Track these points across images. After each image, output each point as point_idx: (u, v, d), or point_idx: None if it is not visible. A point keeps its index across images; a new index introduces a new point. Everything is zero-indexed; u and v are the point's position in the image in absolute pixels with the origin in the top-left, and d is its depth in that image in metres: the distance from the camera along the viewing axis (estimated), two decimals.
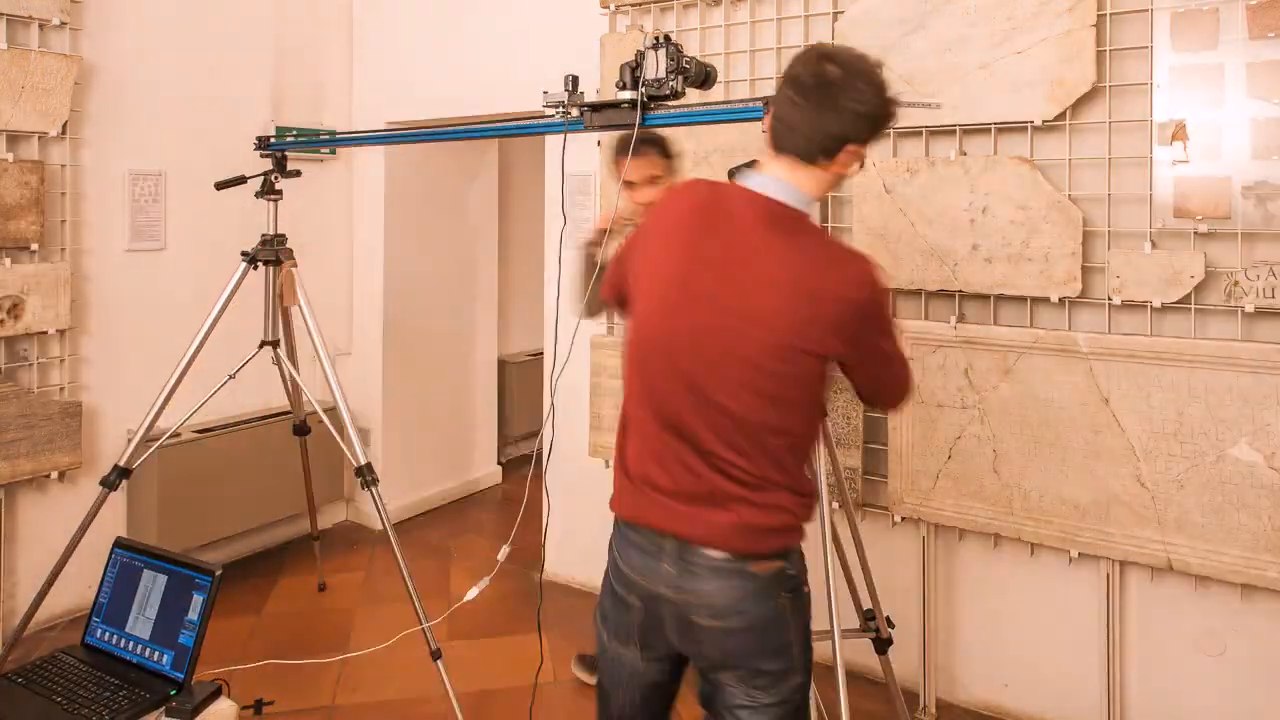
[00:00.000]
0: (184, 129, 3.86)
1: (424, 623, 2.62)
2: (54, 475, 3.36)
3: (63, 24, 3.36)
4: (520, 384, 5.50)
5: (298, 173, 3.12)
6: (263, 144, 3.06)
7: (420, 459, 4.66)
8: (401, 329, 4.55)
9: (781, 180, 1.59)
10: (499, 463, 5.32)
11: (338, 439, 2.84)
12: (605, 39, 3.55)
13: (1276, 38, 2.34)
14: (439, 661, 2.61)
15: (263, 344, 3.12)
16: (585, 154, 3.74)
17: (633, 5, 3.49)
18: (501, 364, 5.35)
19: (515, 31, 3.99)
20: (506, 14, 4.02)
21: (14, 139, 3.26)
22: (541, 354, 4.02)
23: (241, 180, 3.05)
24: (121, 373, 3.63)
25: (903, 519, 2.95)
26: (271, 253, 3.10)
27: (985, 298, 2.79)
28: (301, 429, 3.47)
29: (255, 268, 3.08)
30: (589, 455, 3.61)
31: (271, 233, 3.10)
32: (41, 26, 3.32)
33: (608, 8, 3.57)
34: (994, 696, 2.85)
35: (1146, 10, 2.53)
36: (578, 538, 3.79)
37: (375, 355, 4.51)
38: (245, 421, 3.91)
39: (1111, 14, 2.58)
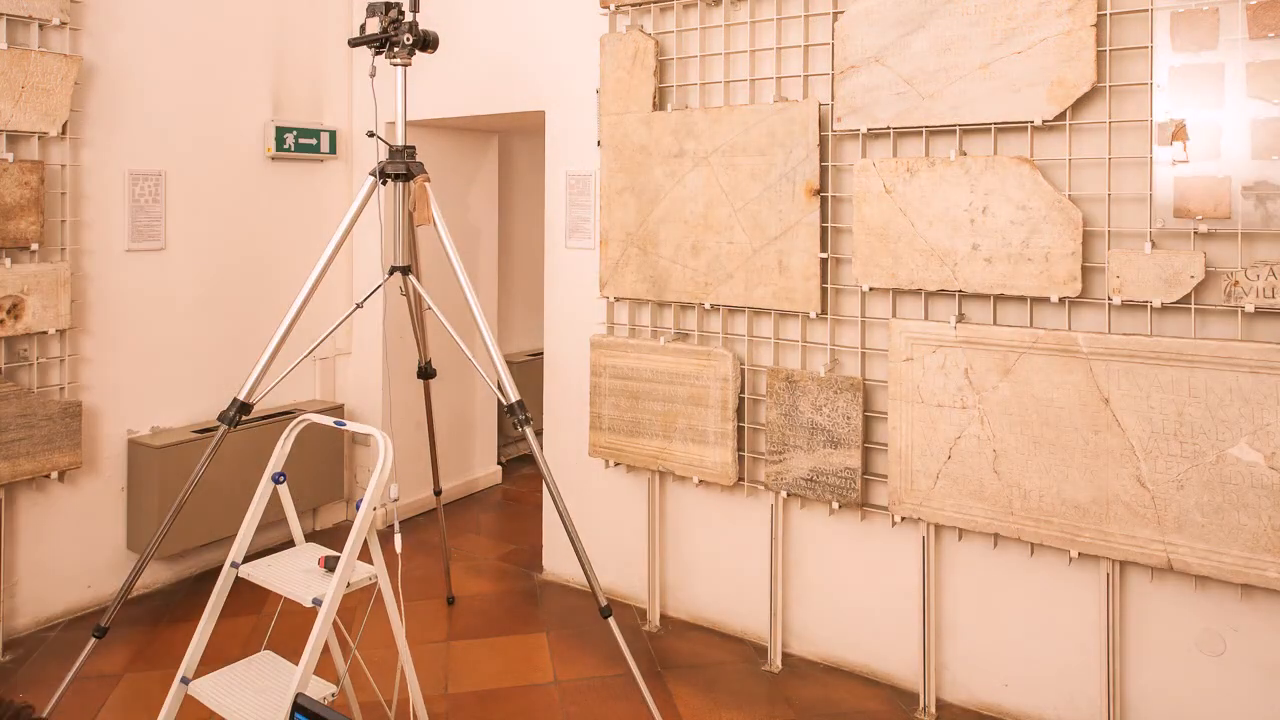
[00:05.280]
0: (184, 129, 3.86)
1: (591, 578, 2.62)
2: (54, 475, 3.36)
3: (63, 24, 3.36)
4: (520, 384, 5.48)
5: (432, 46, 2.87)
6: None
7: (420, 459, 4.66)
8: (402, 329, 4.55)
9: None
10: (499, 463, 5.33)
11: (483, 376, 2.73)
12: (605, 39, 3.54)
13: (1276, 38, 2.34)
14: (611, 620, 2.61)
15: (393, 270, 2.84)
16: (586, 153, 3.74)
17: (633, 5, 3.49)
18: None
19: (515, 32, 3.99)
20: (506, 14, 4.02)
21: (14, 139, 3.26)
22: (541, 354, 4.01)
23: (375, 39, 2.81)
24: (121, 373, 3.63)
25: (903, 519, 2.95)
26: (401, 165, 2.76)
27: (985, 298, 2.79)
28: (427, 371, 3.29)
29: (384, 183, 2.82)
30: (589, 455, 3.61)
31: (401, 143, 2.81)
32: (41, 26, 3.32)
33: (608, 8, 3.56)
34: (994, 696, 2.85)
35: (1146, 10, 2.53)
36: None
37: (375, 355, 4.51)
38: (245, 422, 3.90)
39: (1111, 14, 2.58)
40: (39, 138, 3.32)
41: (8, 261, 3.21)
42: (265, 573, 2.33)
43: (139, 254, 3.70)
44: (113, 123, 3.61)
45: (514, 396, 2.65)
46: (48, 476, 3.35)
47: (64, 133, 3.38)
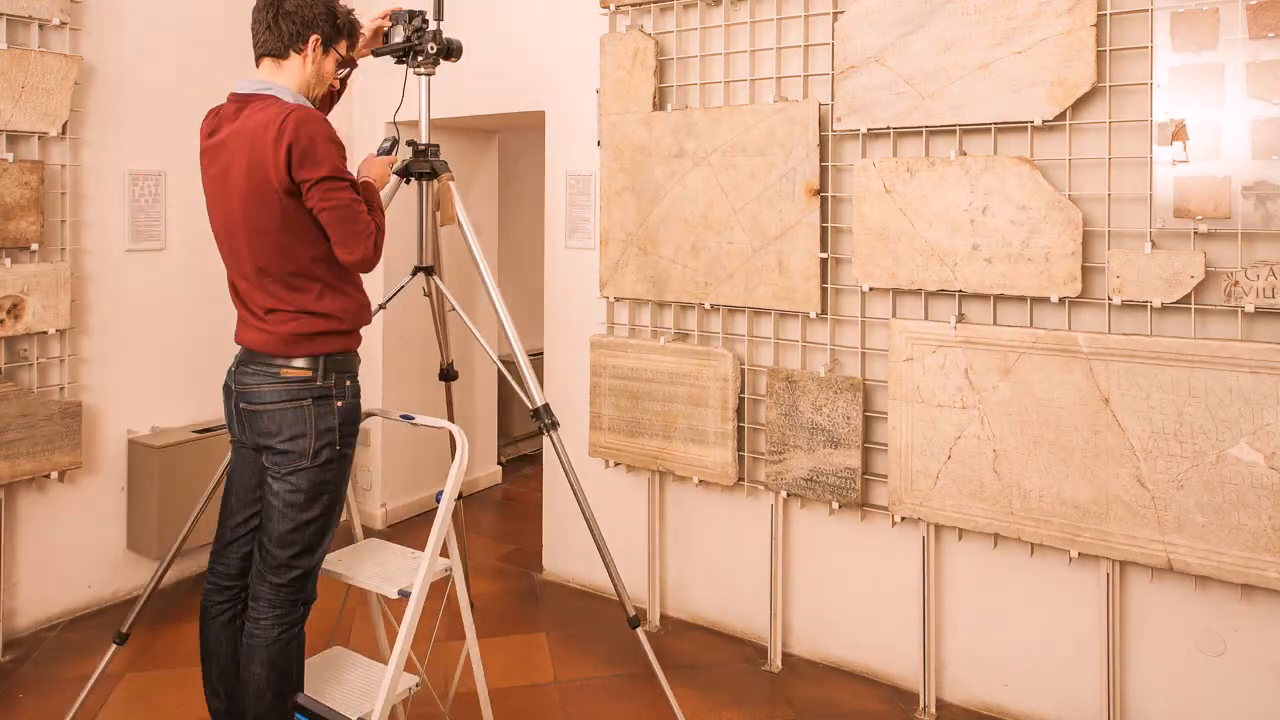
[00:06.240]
0: (184, 129, 3.85)
1: (622, 595, 2.60)
2: (54, 475, 3.36)
3: (63, 24, 3.36)
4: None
5: (456, 54, 2.78)
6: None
7: (420, 459, 4.66)
8: (401, 329, 4.55)
9: (258, 79, 2.23)
10: (499, 463, 5.33)
11: (510, 380, 2.70)
12: (605, 39, 3.54)
13: (1276, 38, 2.34)
14: (640, 629, 2.58)
15: (416, 270, 2.82)
16: (586, 154, 3.74)
17: (633, 5, 3.49)
18: (502, 364, 5.34)
19: (515, 32, 3.99)
20: (506, 14, 4.02)
21: (14, 139, 3.26)
22: (542, 354, 4.01)
23: (398, 48, 2.74)
24: (121, 373, 3.63)
25: (903, 519, 2.95)
26: (425, 164, 2.71)
27: (985, 298, 2.79)
28: (449, 373, 3.25)
29: (407, 182, 2.77)
30: (589, 455, 3.61)
31: (425, 140, 2.74)
32: (41, 26, 3.32)
33: (608, 8, 3.57)
34: (994, 696, 2.85)
35: (1146, 10, 2.53)
36: (577, 537, 3.79)
37: (375, 355, 4.51)
38: None
39: (1111, 14, 2.58)
40: (39, 138, 3.32)
41: (8, 261, 3.21)
42: (343, 568, 2.40)
43: (139, 254, 3.70)
44: (113, 123, 3.61)
45: (540, 400, 2.62)
46: (48, 476, 3.35)
47: (64, 133, 3.38)
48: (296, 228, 2.08)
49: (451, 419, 3.47)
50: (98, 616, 3.49)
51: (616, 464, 3.57)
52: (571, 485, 2.63)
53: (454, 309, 2.81)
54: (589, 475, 3.70)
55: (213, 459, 3.72)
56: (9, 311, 3.20)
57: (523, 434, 5.63)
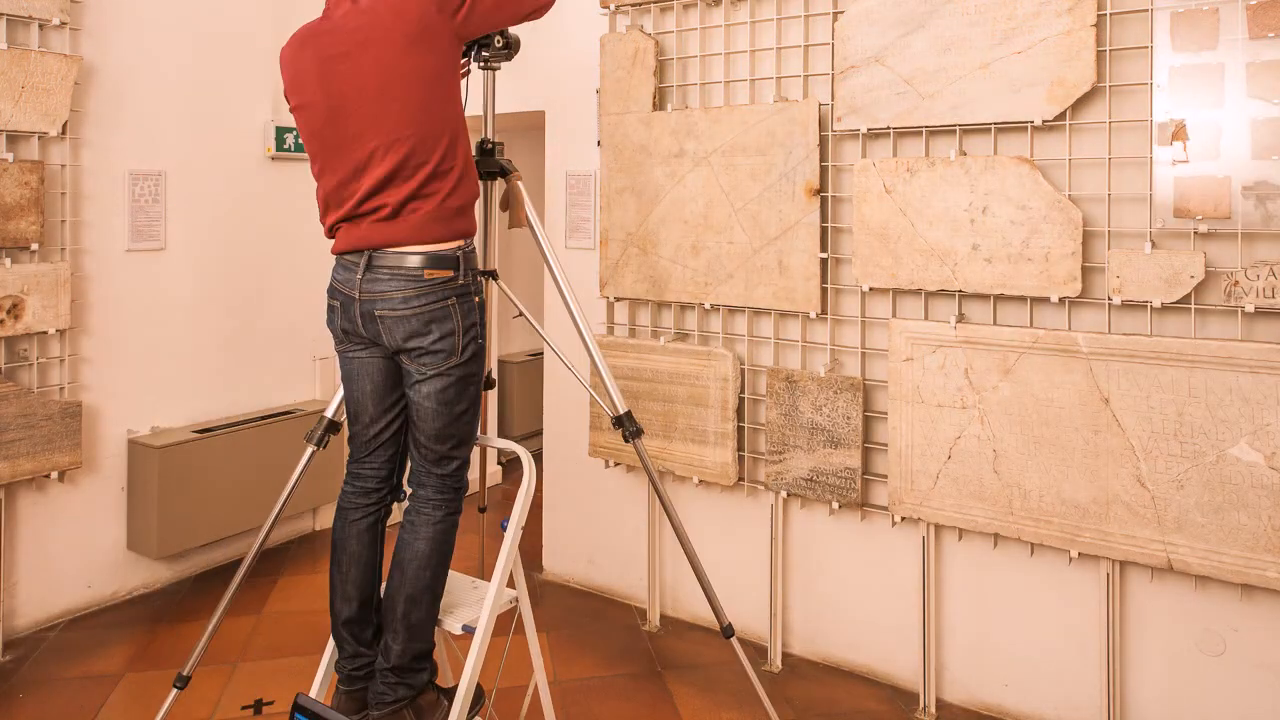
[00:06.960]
0: (184, 129, 3.86)
1: (714, 602, 2.55)
2: (54, 475, 3.36)
3: (63, 24, 3.36)
4: (520, 384, 5.50)
5: (514, 49, 2.67)
6: None
7: None
8: None
9: None
10: (499, 463, 5.32)
11: (585, 388, 2.60)
12: (605, 39, 3.55)
13: (1276, 38, 2.34)
14: (734, 639, 2.52)
15: (482, 274, 2.61)
16: (586, 154, 3.74)
17: (633, 5, 3.49)
18: (502, 364, 5.35)
19: (515, 31, 3.98)
20: None
21: (14, 139, 3.26)
22: (541, 354, 4.01)
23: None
24: (121, 373, 3.63)
25: (902, 519, 2.95)
26: (493, 163, 2.55)
27: (985, 298, 2.79)
28: (488, 382, 3.21)
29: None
30: (588, 455, 3.61)
31: (491, 137, 2.59)
32: (41, 26, 3.32)
33: (608, 8, 3.57)
34: (994, 696, 2.85)
35: (1146, 10, 2.53)
36: (577, 537, 3.80)
37: None
38: (245, 421, 3.91)
39: (1111, 14, 2.59)
40: (39, 138, 3.32)
41: (8, 261, 3.21)
42: None
43: (139, 254, 3.70)
44: (113, 123, 3.61)
45: (623, 407, 2.50)
46: (48, 476, 3.35)
47: (64, 133, 3.38)
48: (452, 80, 2.15)
49: (485, 426, 3.44)
50: (98, 616, 3.49)
51: (616, 464, 3.57)
52: (659, 496, 2.57)
53: (521, 314, 2.70)
54: (588, 475, 3.70)
55: (213, 459, 3.73)
56: (9, 311, 3.20)
57: (523, 434, 5.63)
